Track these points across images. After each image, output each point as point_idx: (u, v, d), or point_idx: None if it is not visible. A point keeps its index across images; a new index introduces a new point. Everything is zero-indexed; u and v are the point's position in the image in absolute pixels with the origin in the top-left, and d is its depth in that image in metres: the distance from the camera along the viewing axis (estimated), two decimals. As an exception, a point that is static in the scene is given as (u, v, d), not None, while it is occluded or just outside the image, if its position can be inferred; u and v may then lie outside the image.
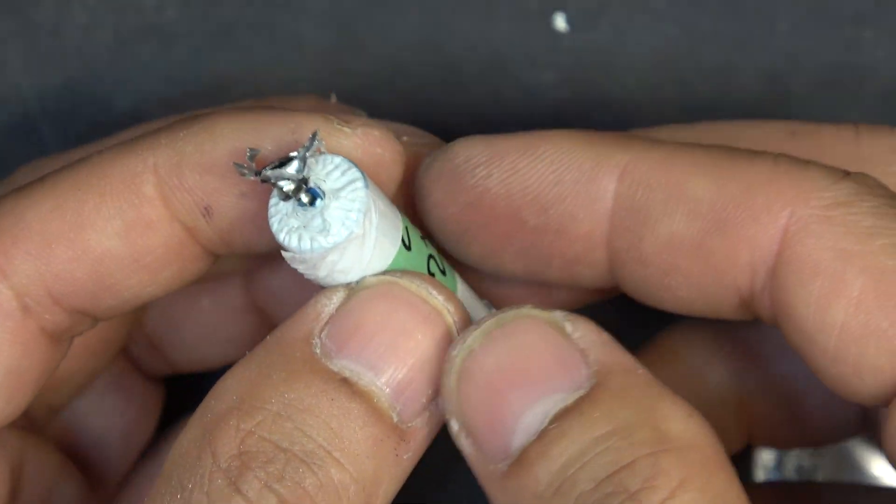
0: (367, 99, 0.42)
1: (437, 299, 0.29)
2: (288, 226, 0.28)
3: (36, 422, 0.35)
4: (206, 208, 0.30)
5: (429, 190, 0.31)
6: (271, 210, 0.28)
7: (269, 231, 0.29)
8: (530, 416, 0.28)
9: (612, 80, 0.42)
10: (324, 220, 0.28)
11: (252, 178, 0.28)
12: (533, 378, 0.28)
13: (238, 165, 0.28)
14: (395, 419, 0.28)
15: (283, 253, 0.28)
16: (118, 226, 0.30)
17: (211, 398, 0.28)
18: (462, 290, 0.32)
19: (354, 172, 0.28)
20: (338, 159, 0.29)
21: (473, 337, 0.28)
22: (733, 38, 0.42)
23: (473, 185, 0.30)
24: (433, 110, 0.43)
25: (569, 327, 0.28)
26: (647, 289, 0.31)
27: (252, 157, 0.28)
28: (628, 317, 0.43)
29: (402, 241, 0.29)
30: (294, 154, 0.28)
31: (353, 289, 0.29)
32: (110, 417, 0.38)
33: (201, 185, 0.30)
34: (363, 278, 0.29)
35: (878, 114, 0.43)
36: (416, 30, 0.42)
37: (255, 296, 0.38)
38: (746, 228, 0.28)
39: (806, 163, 0.28)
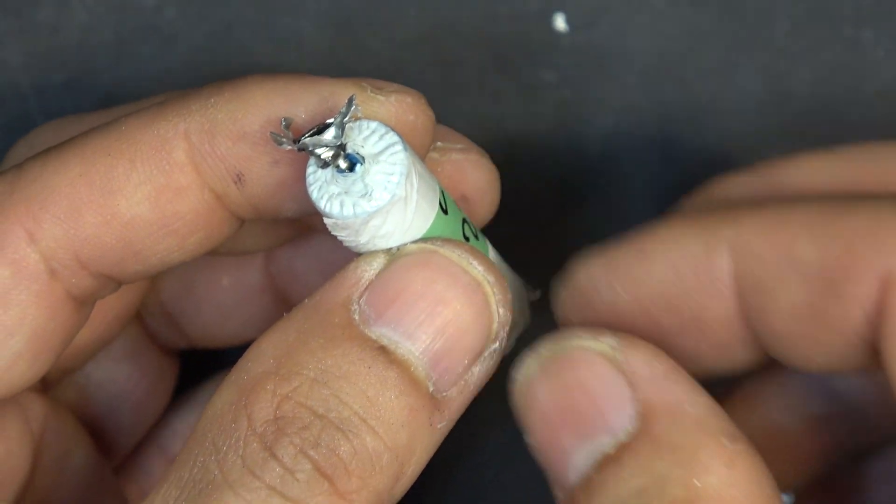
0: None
1: (477, 269, 0.29)
2: (329, 193, 0.28)
3: (50, 385, 0.35)
4: (237, 175, 0.30)
5: (562, 319, 0.31)
6: (310, 178, 0.28)
7: (300, 197, 0.29)
8: (581, 457, 0.28)
9: (612, 80, 0.42)
10: (365, 185, 0.28)
11: (289, 147, 0.28)
12: (583, 418, 0.28)
13: (274, 135, 0.28)
14: (431, 388, 0.28)
15: (326, 220, 0.28)
16: (148, 191, 0.30)
17: (248, 360, 0.28)
18: (493, 256, 0.32)
19: (392, 136, 0.28)
20: (374, 124, 0.29)
21: (529, 366, 0.29)
22: (733, 38, 0.42)
23: (602, 306, 0.30)
24: (433, 110, 0.43)
25: (620, 357, 0.28)
26: (788, 354, 0.30)
27: (287, 126, 0.28)
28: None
29: (440, 204, 0.30)
30: (330, 121, 0.28)
31: (393, 255, 0.29)
32: (124, 386, 0.38)
33: (233, 152, 0.30)
34: (403, 245, 0.29)
35: (878, 114, 0.43)
36: (416, 29, 0.42)
37: (274, 276, 0.38)
38: (852, 287, 0.28)
39: None
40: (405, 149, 0.28)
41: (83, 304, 0.31)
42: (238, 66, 0.42)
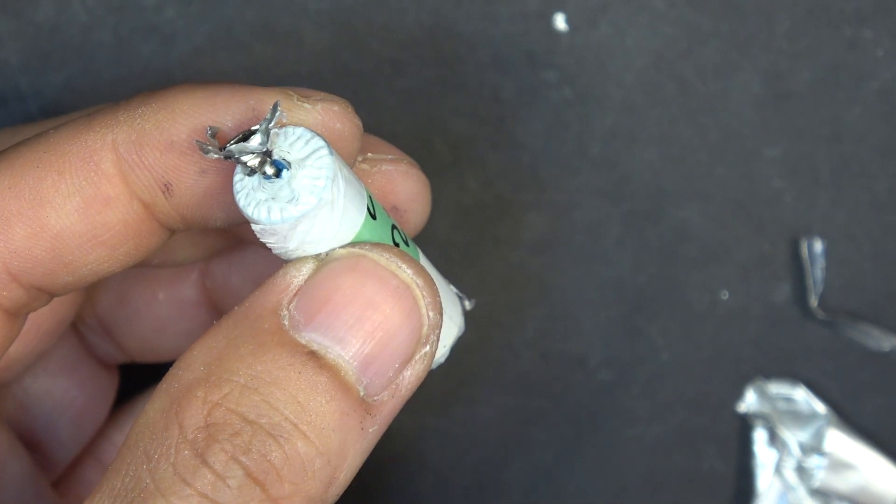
0: (367, 99, 0.42)
1: (406, 272, 0.29)
2: (256, 199, 0.28)
3: None
4: (165, 185, 0.30)
5: None
6: (237, 186, 0.28)
7: (228, 206, 0.29)
8: None
9: (612, 80, 0.42)
10: (292, 190, 0.28)
11: (215, 156, 0.28)
12: None
13: (200, 144, 0.28)
14: (362, 392, 0.28)
15: (253, 226, 0.28)
16: (77, 203, 0.30)
17: (178, 368, 0.28)
18: (423, 261, 0.32)
19: (318, 141, 0.28)
20: (300, 130, 0.29)
21: None
22: (733, 38, 0.42)
23: None
24: (433, 110, 0.43)
25: None
26: None
27: (213, 135, 0.28)
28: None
29: (368, 209, 0.30)
30: (256, 128, 0.28)
31: (322, 261, 0.29)
32: (61, 400, 0.38)
33: (161, 162, 0.30)
34: (332, 250, 0.29)
35: (878, 114, 0.43)
36: (416, 29, 0.42)
37: (210, 291, 0.38)
38: None
39: None
40: (331, 153, 0.28)
41: (15, 316, 0.31)
42: (238, 66, 0.42)
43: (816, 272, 0.44)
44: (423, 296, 0.29)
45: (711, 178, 0.43)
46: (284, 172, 0.28)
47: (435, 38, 0.42)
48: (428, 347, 0.29)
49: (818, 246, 0.44)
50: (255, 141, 0.28)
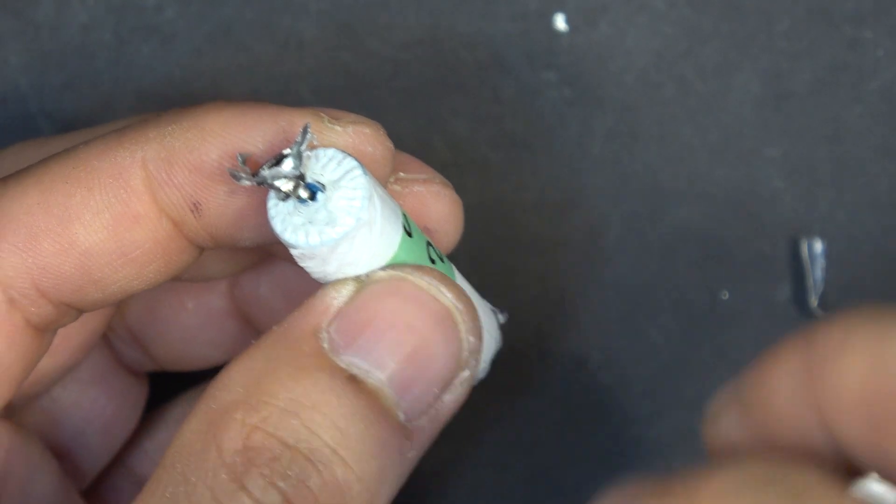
0: (367, 99, 0.42)
1: (447, 297, 0.29)
2: (292, 224, 0.28)
3: (13, 411, 0.35)
4: (194, 204, 0.30)
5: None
6: (271, 212, 0.28)
7: (257, 227, 0.29)
8: None
9: (612, 81, 0.42)
10: (329, 212, 0.28)
11: (248, 183, 0.28)
12: None
13: (232, 171, 0.28)
14: (401, 418, 0.28)
15: (292, 251, 0.28)
16: (106, 220, 0.30)
17: (216, 388, 0.28)
18: (459, 280, 0.32)
19: (350, 161, 0.28)
20: (331, 151, 0.28)
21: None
22: (733, 38, 0.42)
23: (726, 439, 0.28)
24: (433, 110, 0.43)
25: None
26: None
27: (244, 161, 0.28)
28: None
29: (403, 227, 0.29)
30: (287, 151, 0.28)
31: (362, 283, 0.29)
32: (91, 409, 0.38)
33: (190, 181, 0.30)
34: (372, 272, 0.29)
35: (878, 114, 0.43)
36: (416, 29, 0.42)
37: (239, 301, 0.38)
38: None
39: None
40: (365, 173, 0.28)
41: (44, 332, 0.31)
42: (238, 66, 0.42)
43: (816, 272, 0.44)
44: (464, 320, 0.29)
45: (711, 178, 0.43)
46: (319, 195, 0.28)
47: (435, 38, 0.42)
48: (467, 371, 0.29)
49: (818, 246, 0.44)
50: (288, 165, 0.28)
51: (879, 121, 0.43)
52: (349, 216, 0.28)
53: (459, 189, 0.43)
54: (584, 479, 0.45)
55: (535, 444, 0.44)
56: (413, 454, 0.29)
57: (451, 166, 0.43)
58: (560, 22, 0.42)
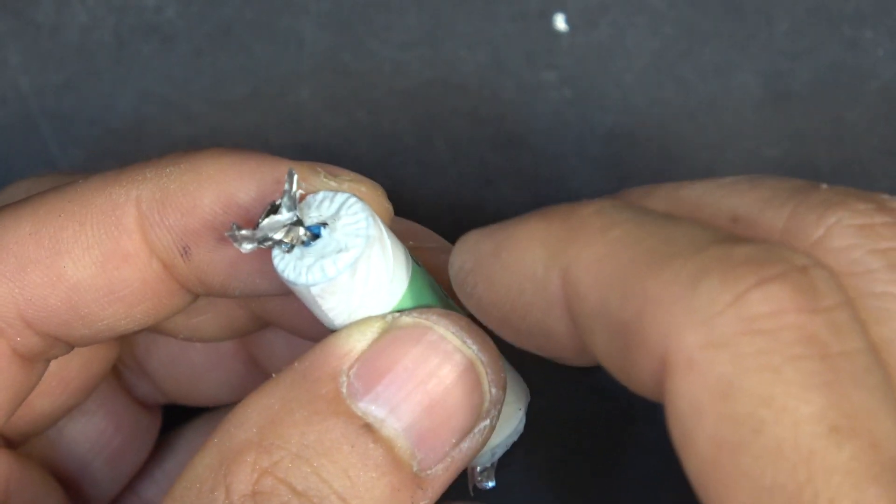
0: (367, 99, 0.42)
1: (472, 348, 0.29)
2: (304, 266, 0.28)
3: (15, 444, 0.35)
4: (184, 248, 0.30)
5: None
6: (280, 266, 0.28)
7: (245, 278, 0.29)
8: None
9: (612, 81, 0.42)
10: (336, 241, 0.28)
11: (250, 246, 0.28)
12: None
13: (233, 234, 0.28)
14: (415, 468, 0.28)
15: (314, 292, 0.28)
16: (95, 255, 0.30)
17: (231, 424, 0.28)
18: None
19: (342, 194, 0.28)
20: (320, 194, 0.29)
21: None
22: (733, 38, 0.42)
23: (469, 294, 0.29)
24: (433, 110, 0.43)
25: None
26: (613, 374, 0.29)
27: (238, 229, 0.28)
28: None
29: (408, 255, 0.29)
30: (279, 201, 0.28)
31: (387, 324, 0.29)
32: (98, 441, 0.37)
33: (181, 224, 0.30)
34: (398, 317, 0.29)
35: (879, 114, 0.43)
36: (416, 30, 0.42)
37: (246, 343, 0.38)
38: (638, 356, 0.25)
39: (704, 273, 0.24)
40: (359, 199, 0.28)
41: (32, 363, 0.31)
42: (238, 66, 0.42)
43: (816, 272, 0.44)
44: (487, 372, 0.29)
45: (709, 178, 0.43)
46: (323, 231, 0.28)
47: (435, 38, 0.42)
48: (488, 421, 0.29)
49: (818, 246, 0.44)
50: (284, 210, 0.28)
51: (879, 121, 0.43)
52: (357, 237, 0.28)
53: (459, 188, 0.43)
54: (584, 480, 0.45)
55: (534, 445, 0.44)
56: (426, 502, 0.28)
57: (451, 166, 0.43)
58: (560, 22, 0.42)
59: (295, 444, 0.27)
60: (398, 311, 0.29)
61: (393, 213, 0.31)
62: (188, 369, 0.38)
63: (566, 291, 0.27)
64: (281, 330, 0.36)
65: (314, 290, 0.28)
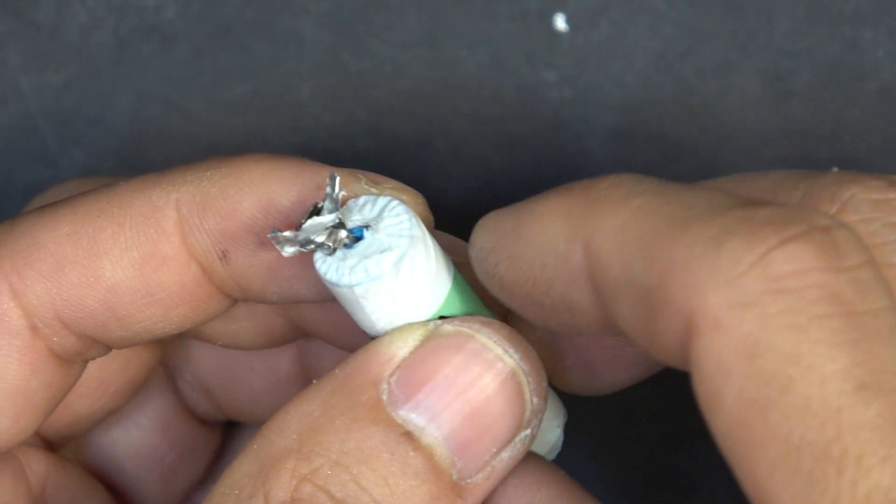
0: (367, 99, 0.42)
1: (513, 357, 0.29)
2: (347, 268, 0.28)
3: (56, 446, 0.35)
4: (222, 252, 0.30)
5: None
6: (322, 269, 0.28)
7: (283, 283, 0.29)
8: None
9: (612, 80, 0.42)
10: (380, 242, 0.28)
11: (292, 249, 0.28)
12: None
13: (274, 238, 0.28)
14: (455, 477, 0.28)
15: (357, 289, 0.28)
16: (134, 257, 0.30)
17: (270, 430, 0.28)
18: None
19: (384, 198, 0.28)
20: (362, 198, 0.29)
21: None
22: (733, 38, 0.42)
23: (491, 273, 0.29)
24: (433, 110, 0.43)
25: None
26: (636, 345, 0.29)
27: (280, 232, 0.28)
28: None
29: (449, 259, 0.30)
30: (321, 203, 0.28)
31: (428, 332, 0.29)
32: (151, 457, 0.37)
33: (220, 228, 0.30)
34: (440, 325, 0.29)
35: (878, 114, 0.43)
36: (416, 30, 0.42)
37: (306, 368, 0.37)
38: (663, 319, 0.26)
39: (727, 235, 0.25)
40: (402, 202, 0.28)
41: (69, 363, 0.31)
42: (238, 66, 0.42)
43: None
44: (529, 381, 0.29)
45: (712, 179, 0.43)
46: (366, 232, 0.28)
47: (435, 38, 0.42)
48: (529, 430, 0.29)
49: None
50: (327, 211, 0.28)
51: (879, 121, 0.43)
52: (402, 237, 0.28)
53: (459, 189, 0.43)
54: (584, 480, 0.45)
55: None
56: None
57: (451, 166, 0.43)
58: (560, 22, 0.42)
59: (335, 451, 0.27)
60: (440, 319, 0.29)
61: (433, 221, 0.31)
62: (248, 391, 0.38)
63: (589, 262, 0.27)
64: (343, 354, 0.36)
65: (358, 291, 0.28)
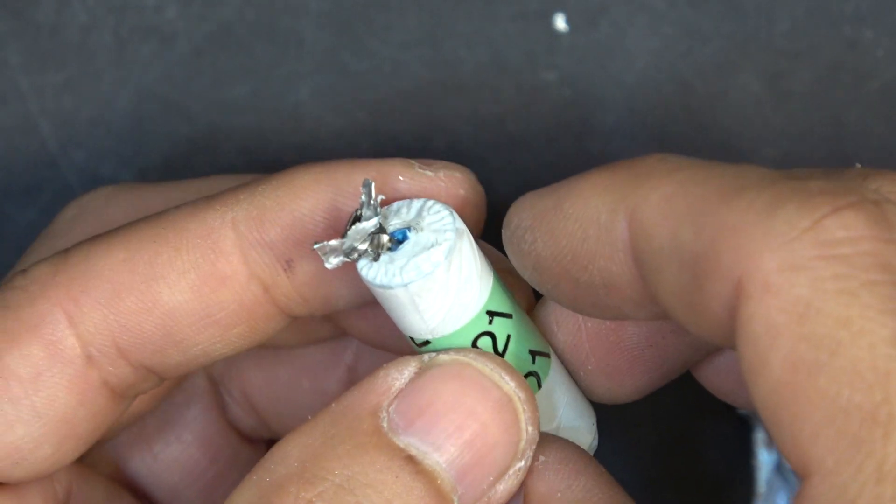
0: (367, 99, 0.42)
1: (509, 385, 0.29)
2: (395, 269, 0.28)
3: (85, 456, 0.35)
4: (287, 262, 0.30)
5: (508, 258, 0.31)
6: (369, 276, 0.28)
7: (353, 283, 0.29)
8: None
9: (612, 80, 0.42)
10: (426, 239, 0.28)
11: (336, 260, 0.28)
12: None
13: (321, 248, 0.28)
14: (456, 502, 0.28)
15: (412, 287, 0.28)
16: (191, 280, 0.30)
17: (270, 461, 0.28)
18: (556, 370, 0.32)
19: (419, 200, 0.29)
20: (395, 203, 0.29)
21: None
22: (733, 38, 0.42)
23: (528, 251, 0.29)
24: (433, 111, 0.43)
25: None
26: (677, 321, 0.29)
27: (326, 242, 0.28)
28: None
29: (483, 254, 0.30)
30: (359, 212, 0.28)
31: (424, 364, 0.29)
32: (191, 471, 0.37)
33: (282, 238, 0.30)
34: (434, 356, 0.29)
35: (878, 114, 0.43)
36: (416, 30, 0.42)
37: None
38: (711, 285, 0.26)
39: (780, 202, 0.25)
40: (437, 201, 0.29)
41: (121, 395, 0.31)
42: (238, 66, 0.42)
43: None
44: (524, 409, 0.29)
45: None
46: (409, 233, 0.28)
47: (435, 38, 0.42)
48: (523, 462, 0.29)
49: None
50: (366, 218, 0.28)
51: (879, 121, 0.43)
52: (447, 231, 0.28)
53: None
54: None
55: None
56: None
57: (451, 166, 0.43)
58: (560, 22, 0.42)
59: (339, 475, 0.27)
60: (435, 352, 0.29)
61: (484, 196, 0.31)
62: (295, 409, 0.38)
63: (633, 232, 0.27)
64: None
65: (413, 289, 0.28)
